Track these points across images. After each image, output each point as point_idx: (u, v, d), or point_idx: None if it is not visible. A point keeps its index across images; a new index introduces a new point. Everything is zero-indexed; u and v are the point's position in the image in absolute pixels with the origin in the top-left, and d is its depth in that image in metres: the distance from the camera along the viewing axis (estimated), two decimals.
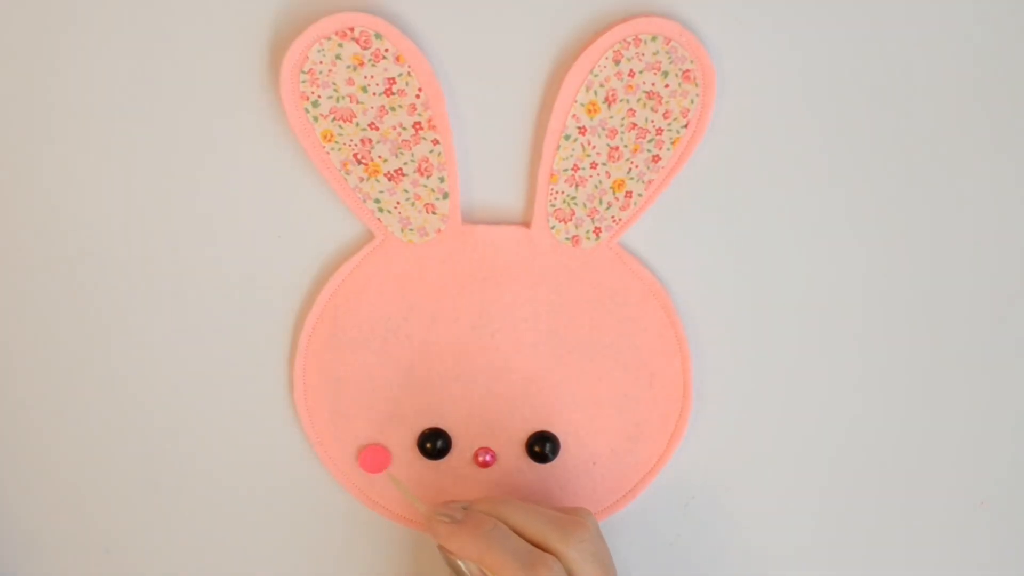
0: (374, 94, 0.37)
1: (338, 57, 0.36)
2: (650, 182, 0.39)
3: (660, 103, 0.37)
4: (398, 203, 0.39)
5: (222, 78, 0.38)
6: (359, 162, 0.38)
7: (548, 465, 0.42)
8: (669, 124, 0.38)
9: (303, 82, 0.36)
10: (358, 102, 0.37)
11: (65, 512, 0.43)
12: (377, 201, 0.38)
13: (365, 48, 0.36)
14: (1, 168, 0.39)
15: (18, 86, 0.38)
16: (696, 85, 0.37)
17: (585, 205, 0.39)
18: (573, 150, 0.38)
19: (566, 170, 0.38)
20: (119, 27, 0.37)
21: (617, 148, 0.38)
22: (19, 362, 0.41)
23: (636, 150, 0.38)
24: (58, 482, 0.43)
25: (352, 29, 0.35)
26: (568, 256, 0.40)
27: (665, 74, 0.37)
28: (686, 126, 0.38)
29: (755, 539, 0.43)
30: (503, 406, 0.41)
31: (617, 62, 0.36)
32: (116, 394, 0.42)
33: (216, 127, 0.38)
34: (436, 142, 0.37)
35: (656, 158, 0.38)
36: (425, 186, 0.38)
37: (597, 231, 0.39)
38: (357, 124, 0.37)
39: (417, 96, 0.37)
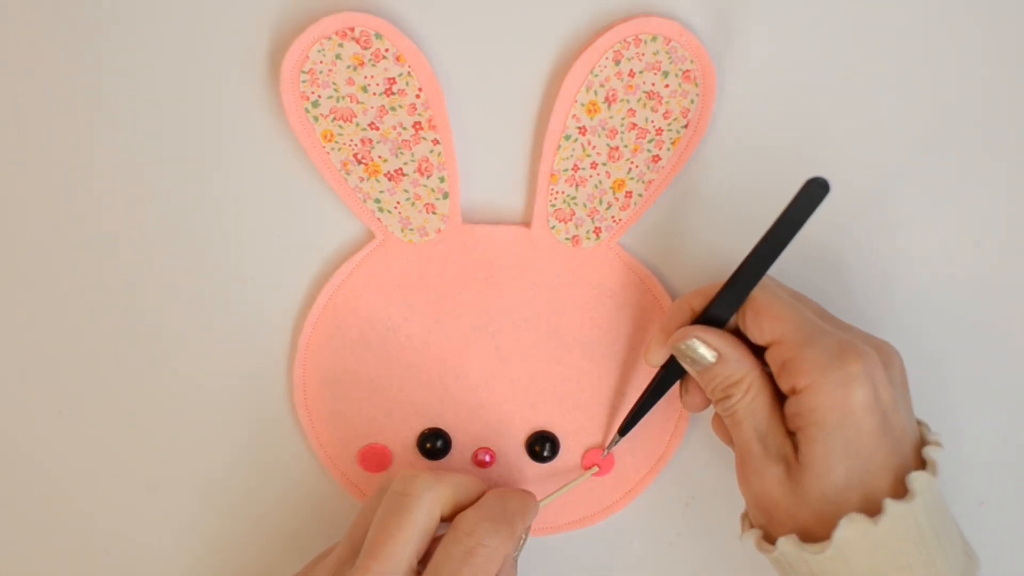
0: (374, 94, 0.37)
1: (338, 57, 0.36)
2: (650, 182, 0.39)
3: (660, 103, 0.37)
4: (398, 203, 0.39)
5: (222, 78, 0.38)
6: (359, 162, 0.38)
7: (548, 465, 0.42)
8: (669, 124, 0.38)
9: (303, 82, 0.36)
10: (358, 102, 0.37)
11: (65, 512, 0.43)
12: (377, 201, 0.38)
13: (365, 48, 0.36)
14: (3, 169, 0.39)
15: (19, 87, 0.38)
16: (696, 85, 0.37)
17: (585, 205, 0.39)
18: (573, 150, 0.38)
19: (566, 170, 0.38)
20: (119, 27, 0.37)
21: (617, 148, 0.38)
22: (19, 361, 0.41)
23: (636, 150, 0.38)
24: (58, 482, 0.43)
25: (352, 29, 0.35)
26: (568, 256, 0.40)
27: (665, 74, 0.37)
28: (686, 126, 0.38)
29: None
30: (503, 406, 0.41)
31: (617, 62, 0.36)
32: (116, 394, 0.42)
33: (216, 127, 0.38)
34: (436, 142, 0.37)
35: (656, 158, 0.38)
36: (425, 186, 0.38)
37: (597, 231, 0.39)
38: (357, 124, 0.37)
39: (417, 96, 0.37)
